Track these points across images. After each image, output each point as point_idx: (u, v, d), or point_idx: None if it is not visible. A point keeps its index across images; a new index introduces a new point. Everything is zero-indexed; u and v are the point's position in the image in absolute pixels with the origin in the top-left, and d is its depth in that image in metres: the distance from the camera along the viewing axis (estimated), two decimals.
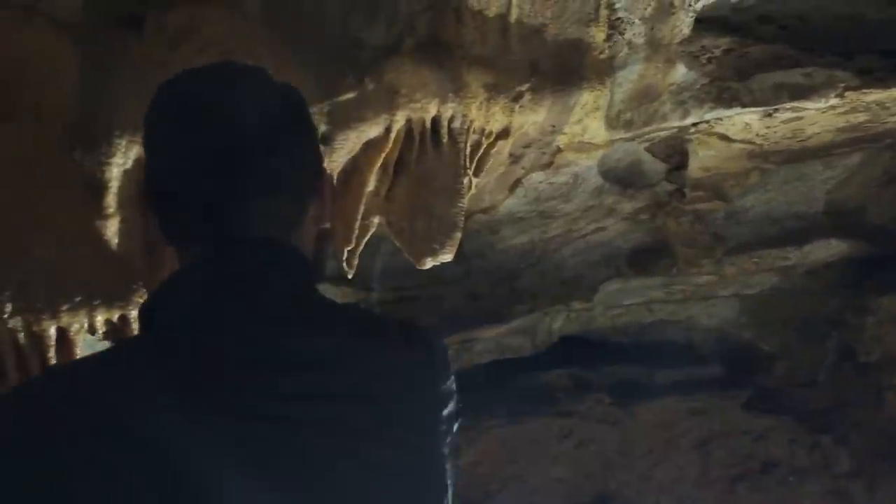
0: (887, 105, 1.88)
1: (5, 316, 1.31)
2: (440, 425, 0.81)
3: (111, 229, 1.46)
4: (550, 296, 2.67)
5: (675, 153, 2.28)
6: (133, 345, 0.76)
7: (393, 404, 0.76)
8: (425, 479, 0.77)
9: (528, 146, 1.96)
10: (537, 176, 2.10)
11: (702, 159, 2.30)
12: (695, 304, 3.62)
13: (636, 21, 1.83)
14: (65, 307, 1.32)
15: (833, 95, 1.78)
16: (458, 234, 1.71)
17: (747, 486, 3.63)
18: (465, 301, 2.68)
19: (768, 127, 2.04)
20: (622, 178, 2.26)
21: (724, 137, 2.13)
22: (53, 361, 1.36)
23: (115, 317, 1.38)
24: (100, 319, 1.36)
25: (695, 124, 2.03)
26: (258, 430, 0.67)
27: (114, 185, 1.42)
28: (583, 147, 2.00)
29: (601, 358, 3.64)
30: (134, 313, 1.39)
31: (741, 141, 2.15)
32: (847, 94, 1.78)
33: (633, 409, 3.49)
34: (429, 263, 1.72)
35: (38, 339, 1.34)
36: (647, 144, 2.23)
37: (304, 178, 0.82)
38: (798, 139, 2.19)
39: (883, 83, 1.79)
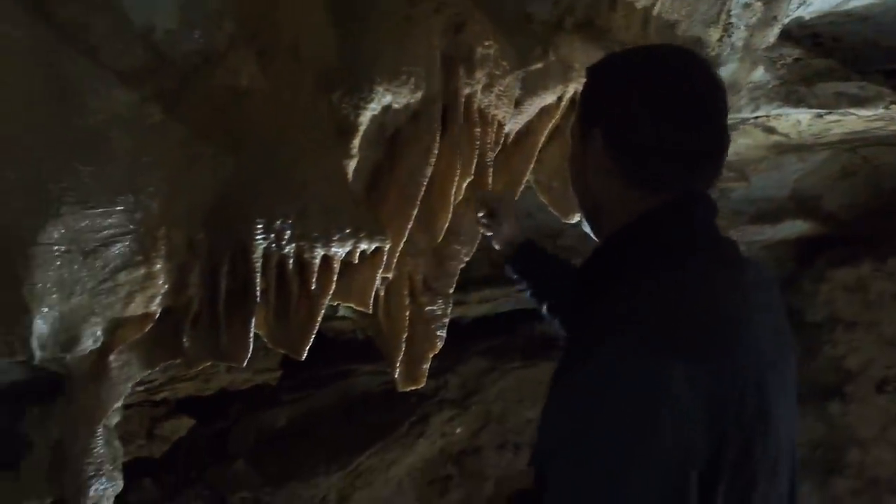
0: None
1: (283, 243, 1.42)
2: None
3: (350, 169, 1.58)
4: None
5: None
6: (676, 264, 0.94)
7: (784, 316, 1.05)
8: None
9: None
10: None
11: (737, 146, 2.72)
12: None
13: (742, 27, 2.17)
14: (336, 237, 1.46)
15: (881, 107, 2.25)
16: None
17: None
18: None
19: (810, 125, 2.49)
20: None
21: (770, 129, 2.56)
22: (314, 287, 1.49)
23: (371, 248, 1.53)
24: (360, 250, 1.51)
25: (757, 116, 2.43)
26: (768, 328, 0.94)
27: (362, 129, 1.54)
28: None
29: None
30: (388, 247, 1.54)
31: (780, 134, 2.60)
32: (892, 107, 2.26)
33: None
34: (577, 218, 1.98)
35: (304, 266, 1.47)
36: None
37: None
38: (819, 136, 2.68)
39: None
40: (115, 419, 1.68)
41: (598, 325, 0.90)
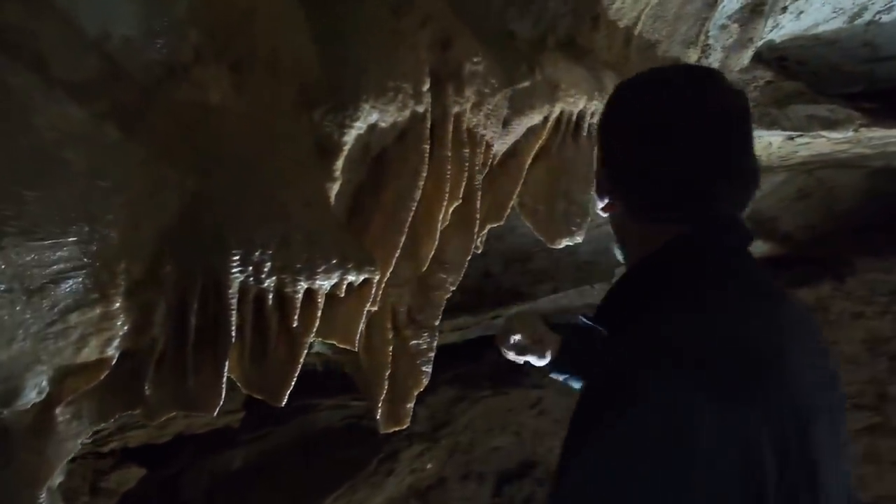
0: (872, 139, 2.43)
1: (262, 276, 1.27)
2: None
3: (332, 193, 1.44)
4: (572, 278, 2.95)
5: None
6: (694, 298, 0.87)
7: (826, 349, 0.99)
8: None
9: None
10: None
11: None
12: None
13: (718, 48, 2.16)
14: (321, 268, 1.31)
15: (851, 129, 2.28)
16: (589, 218, 1.91)
17: None
18: (480, 279, 2.86)
19: (780, 147, 2.50)
20: None
21: None
22: (296, 324, 1.34)
23: (359, 280, 1.39)
24: (347, 282, 1.37)
25: None
26: (807, 364, 0.87)
27: (347, 149, 1.41)
28: None
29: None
30: (377, 278, 1.41)
31: None
32: (861, 129, 2.29)
33: None
34: (564, 243, 1.90)
35: (285, 301, 1.32)
36: None
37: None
38: (785, 159, 2.70)
39: (885, 123, 2.32)
40: (58, 478, 1.47)
41: (620, 368, 0.82)
